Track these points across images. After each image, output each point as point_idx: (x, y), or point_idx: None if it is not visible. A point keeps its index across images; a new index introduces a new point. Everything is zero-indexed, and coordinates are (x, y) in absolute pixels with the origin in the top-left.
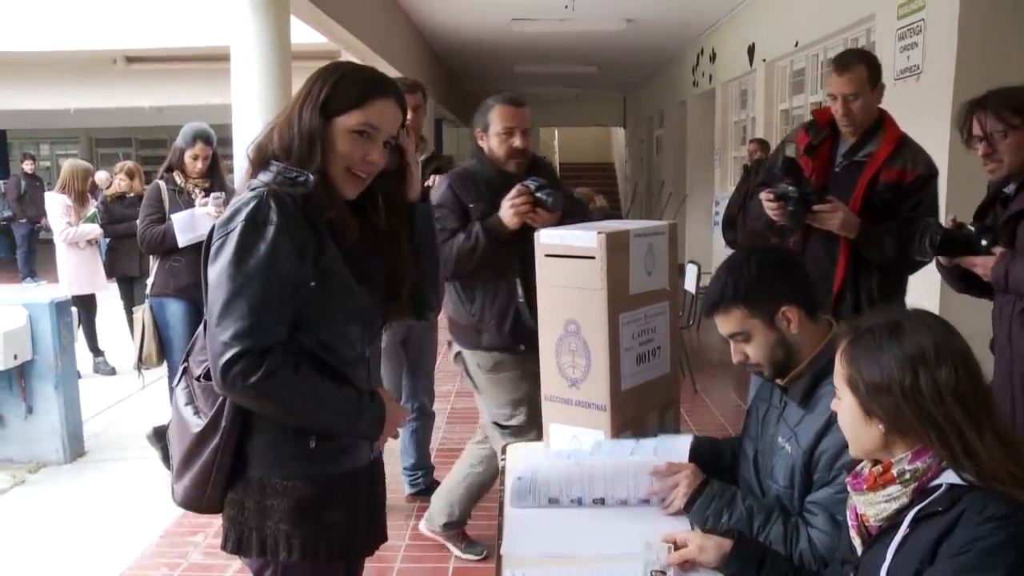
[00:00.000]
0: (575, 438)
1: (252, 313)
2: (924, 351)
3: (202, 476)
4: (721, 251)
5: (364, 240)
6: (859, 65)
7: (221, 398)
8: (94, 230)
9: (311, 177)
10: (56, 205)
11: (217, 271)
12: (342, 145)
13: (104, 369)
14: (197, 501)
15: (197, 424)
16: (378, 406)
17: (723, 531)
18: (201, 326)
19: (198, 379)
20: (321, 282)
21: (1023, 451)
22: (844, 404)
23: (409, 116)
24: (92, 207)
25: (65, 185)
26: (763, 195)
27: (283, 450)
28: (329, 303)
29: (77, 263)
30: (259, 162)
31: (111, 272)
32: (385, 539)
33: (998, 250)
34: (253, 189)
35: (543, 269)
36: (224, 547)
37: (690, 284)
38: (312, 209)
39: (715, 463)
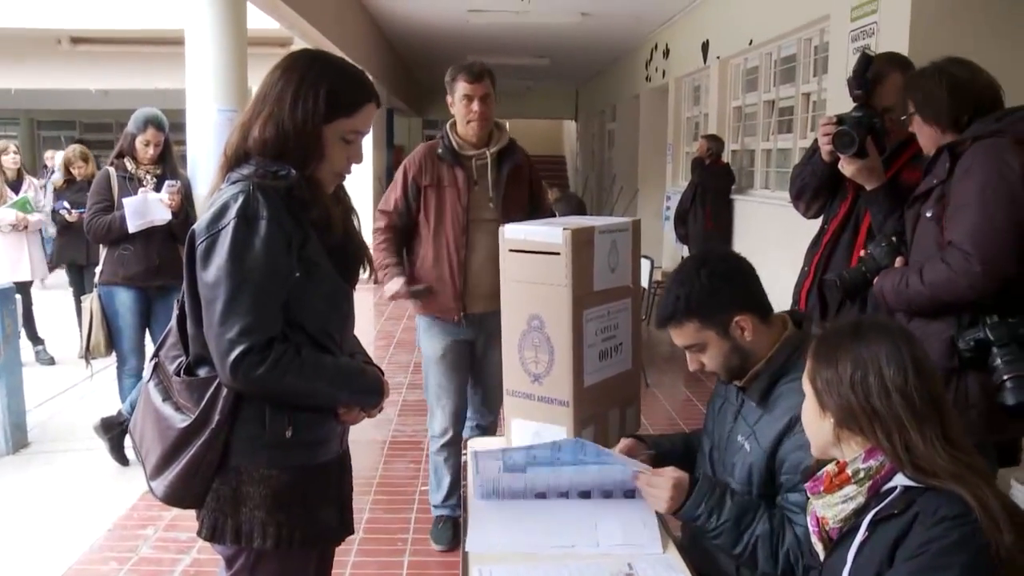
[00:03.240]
0: (537, 434)
1: (255, 308)
2: (876, 352)
3: (190, 471)
4: (672, 246)
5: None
6: (894, 73)
7: (211, 393)
8: (6, 216)
9: (292, 172)
10: None
11: (214, 270)
12: (332, 151)
13: (43, 358)
14: (183, 496)
15: (182, 420)
16: (376, 373)
17: (711, 529)
18: (174, 322)
19: (177, 374)
20: (306, 273)
21: (967, 453)
22: (806, 400)
23: (476, 107)
24: (27, 192)
25: None
26: (822, 121)
27: (261, 440)
28: (314, 294)
29: (3, 248)
30: (235, 158)
31: (60, 259)
32: (352, 531)
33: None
34: (234, 183)
35: (507, 264)
36: (199, 534)
37: (643, 279)
38: (294, 202)
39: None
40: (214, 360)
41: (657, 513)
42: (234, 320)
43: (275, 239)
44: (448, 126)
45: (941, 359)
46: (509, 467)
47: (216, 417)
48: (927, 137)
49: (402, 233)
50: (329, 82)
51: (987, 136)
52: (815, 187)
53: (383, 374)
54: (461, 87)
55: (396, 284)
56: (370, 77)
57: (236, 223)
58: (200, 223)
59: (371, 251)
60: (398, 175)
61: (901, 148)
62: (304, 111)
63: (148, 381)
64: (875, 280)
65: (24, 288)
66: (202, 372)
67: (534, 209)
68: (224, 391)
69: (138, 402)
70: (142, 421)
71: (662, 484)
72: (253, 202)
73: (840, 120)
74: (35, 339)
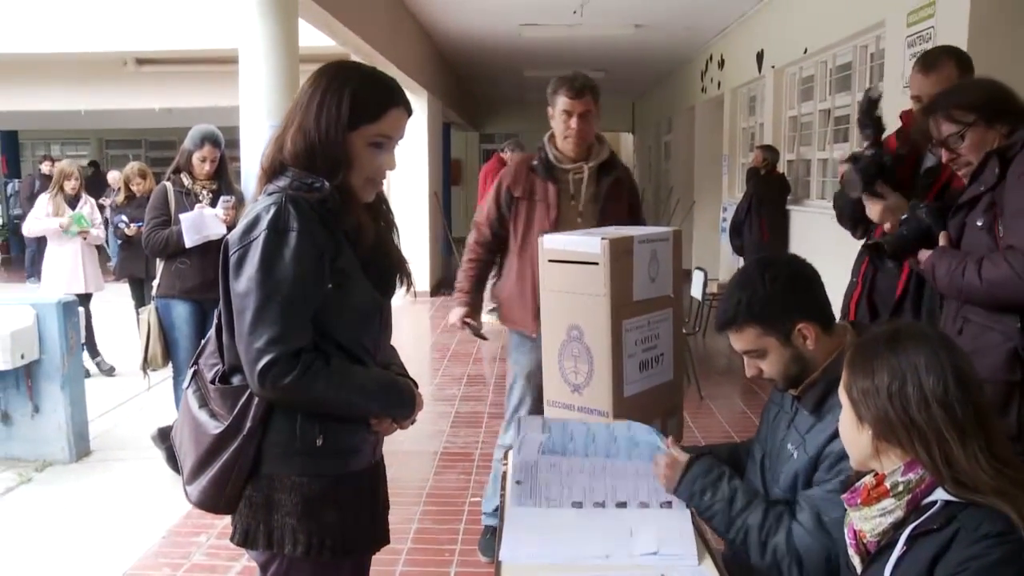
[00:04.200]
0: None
1: (284, 318)
2: (914, 361)
3: (222, 477)
4: (729, 257)
5: (375, 243)
6: (948, 63)
7: (244, 401)
8: (49, 227)
9: (326, 184)
10: (38, 205)
11: (245, 280)
12: (361, 157)
13: (104, 367)
14: (215, 501)
15: (216, 427)
16: (408, 384)
17: (705, 508)
18: (212, 331)
19: (212, 382)
20: (338, 284)
21: (1014, 468)
22: (843, 412)
23: (574, 124)
24: (85, 207)
25: (53, 187)
26: (840, 159)
27: (292, 448)
28: (346, 306)
29: (59, 262)
30: (272, 170)
31: (121, 273)
32: (387, 541)
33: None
34: (270, 195)
35: (546, 274)
36: (232, 539)
37: (696, 290)
38: (327, 213)
39: None
40: (244, 369)
41: (694, 524)
42: (263, 330)
43: (305, 251)
44: (547, 138)
45: (1002, 372)
46: (548, 448)
47: (248, 424)
48: (990, 144)
49: (493, 247)
50: (352, 89)
51: None
52: (850, 216)
53: (417, 386)
54: (561, 101)
55: (455, 314)
56: (425, 91)
57: (267, 235)
58: (233, 234)
59: (408, 265)
60: (494, 185)
61: None
62: (327, 119)
63: (187, 388)
64: (927, 258)
65: (84, 301)
66: (236, 380)
67: (633, 225)
68: (256, 399)
69: (179, 409)
70: (181, 427)
71: (661, 462)
72: (284, 214)
73: (853, 159)
74: (93, 351)
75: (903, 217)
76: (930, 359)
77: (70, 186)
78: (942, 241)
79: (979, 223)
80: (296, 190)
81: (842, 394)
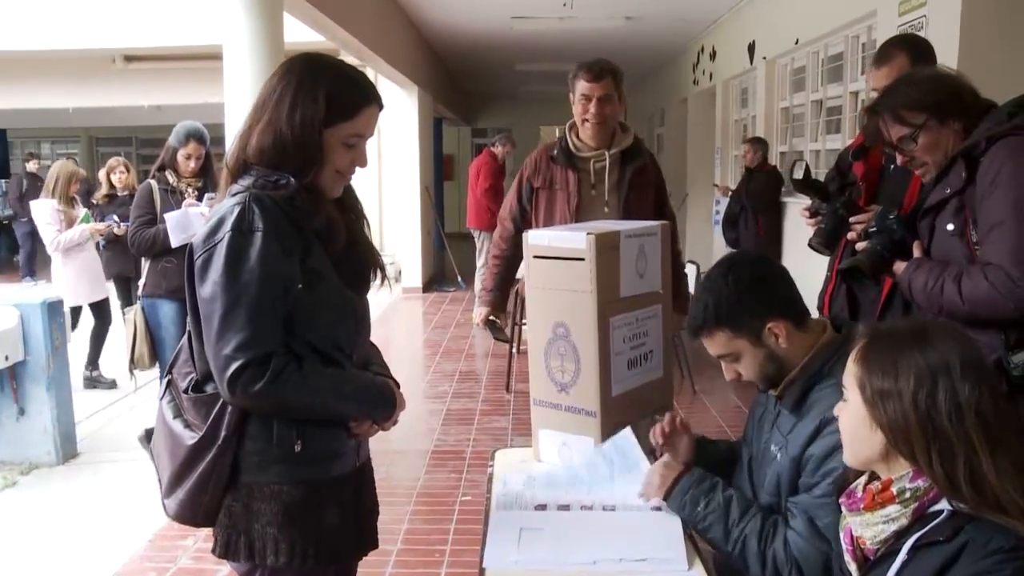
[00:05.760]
0: (565, 445)
1: (252, 322)
2: (948, 363)
3: (199, 489)
4: (722, 250)
5: (347, 239)
6: (899, 54)
7: (217, 409)
8: (83, 232)
9: (292, 180)
10: (44, 212)
11: (210, 285)
12: (333, 155)
13: (104, 383)
14: (194, 514)
15: (191, 437)
16: (387, 384)
17: (699, 519)
18: (185, 338)
19: (186, 391)
20: (309, 284)
21: None
22: (849, 406)
23: (593, 108)
24: (83, 209)
25: (53, 189)
26: (800, 213)
27: (269, 455)
28: (319, 306)
29: (78, 270)
30: (236, 169)
31: (108, 272)
32: (375, 545)
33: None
34: (234, 195)
35: (532, 271)
36: (213, 551)
37: (689, 285)
38: (295, 210)
39: (712, 464)
40: (214, 376)
41: (684, 529)
42: (230, 335)
43: (271, 251)
44: (567, 126)
45: None
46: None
47: (223, 433)
48: (945, 143)
49: (517, 242)
50: (327, 85)
51: (1003, 135)
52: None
53: (398, 386)
54: (580, 86)
55: (478, 314)
56: (415, 86)
57: (231, 236)
58: (197, 238)
59: (382, 258)
60: (516, 178)
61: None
62: (303, 116)
63: (161, 399)
64: (902, 271)
65: (102, 307)
66: (210, 388)
67: (659, 215)
68: (230, 407)
69: (156, 420)
70: (156, 439)
71: (653, 468)
72: (248, 214)
73: (814, 212)
74: (94, 363)
75: (872, 229)
76: (964, 363)
77: (75, 189)
78: (916, 252)
79: (949, 228)
80: (261, 188)
81: (852, 391)
